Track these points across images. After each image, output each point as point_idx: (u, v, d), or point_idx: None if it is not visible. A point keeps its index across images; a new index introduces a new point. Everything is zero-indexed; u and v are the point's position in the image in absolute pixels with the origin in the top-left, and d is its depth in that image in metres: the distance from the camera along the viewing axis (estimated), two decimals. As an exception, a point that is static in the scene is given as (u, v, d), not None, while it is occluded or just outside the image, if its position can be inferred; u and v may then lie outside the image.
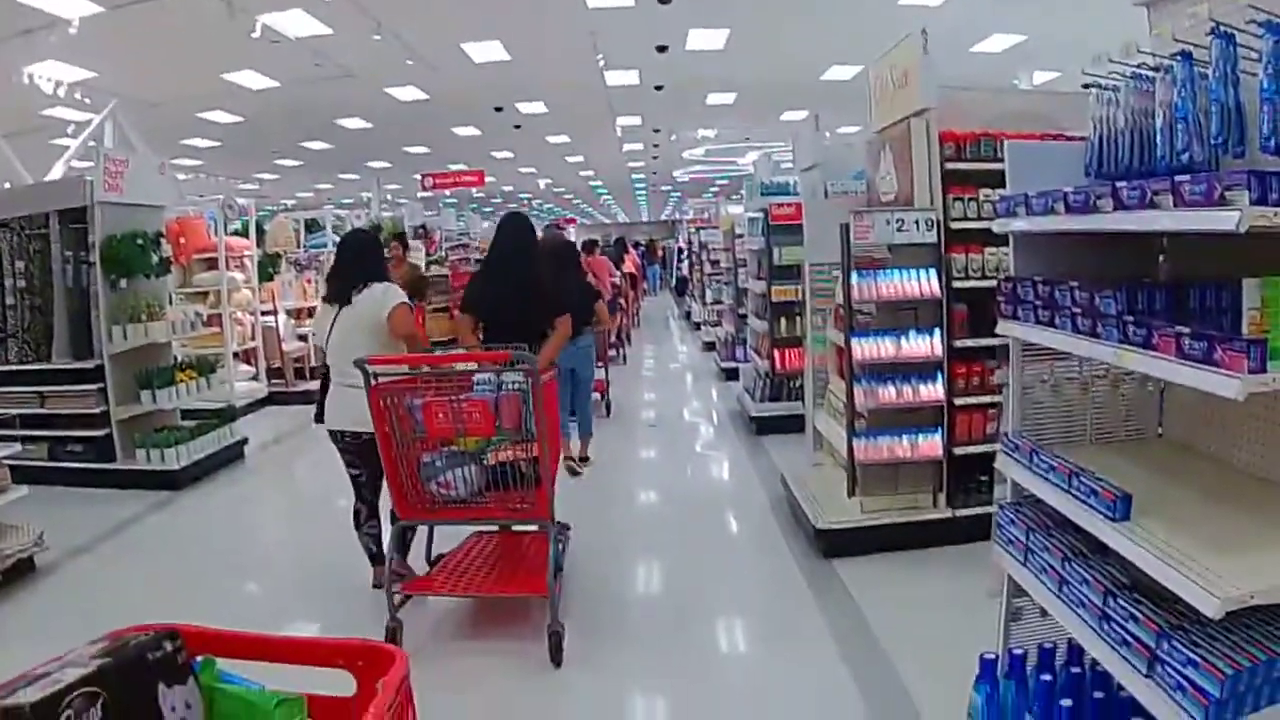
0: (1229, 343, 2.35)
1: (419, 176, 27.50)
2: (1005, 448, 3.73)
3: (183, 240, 13.25)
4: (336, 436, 6.27)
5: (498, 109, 21.23)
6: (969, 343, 6.72)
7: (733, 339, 15.24)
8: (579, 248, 14.00)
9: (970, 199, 6.62)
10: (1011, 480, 3.75)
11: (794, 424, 9.87)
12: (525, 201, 50.50)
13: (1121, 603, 2.83)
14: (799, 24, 14.66)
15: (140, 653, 2.03)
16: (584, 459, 10.10)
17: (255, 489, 10.31)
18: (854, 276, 6.54)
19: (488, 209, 49.15)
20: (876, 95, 7.53)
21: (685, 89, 19.61)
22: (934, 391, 6.64)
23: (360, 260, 6.45)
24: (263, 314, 14.64)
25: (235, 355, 13.83)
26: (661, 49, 16.18)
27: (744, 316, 13.58)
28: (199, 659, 2.23)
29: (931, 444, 6.74)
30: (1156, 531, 2.80)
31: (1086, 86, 3.51)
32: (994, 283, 6.61)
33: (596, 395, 12.45)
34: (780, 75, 18.15)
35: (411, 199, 25.91)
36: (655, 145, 29.38)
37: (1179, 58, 2.95)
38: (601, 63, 16.68)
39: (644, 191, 48.87)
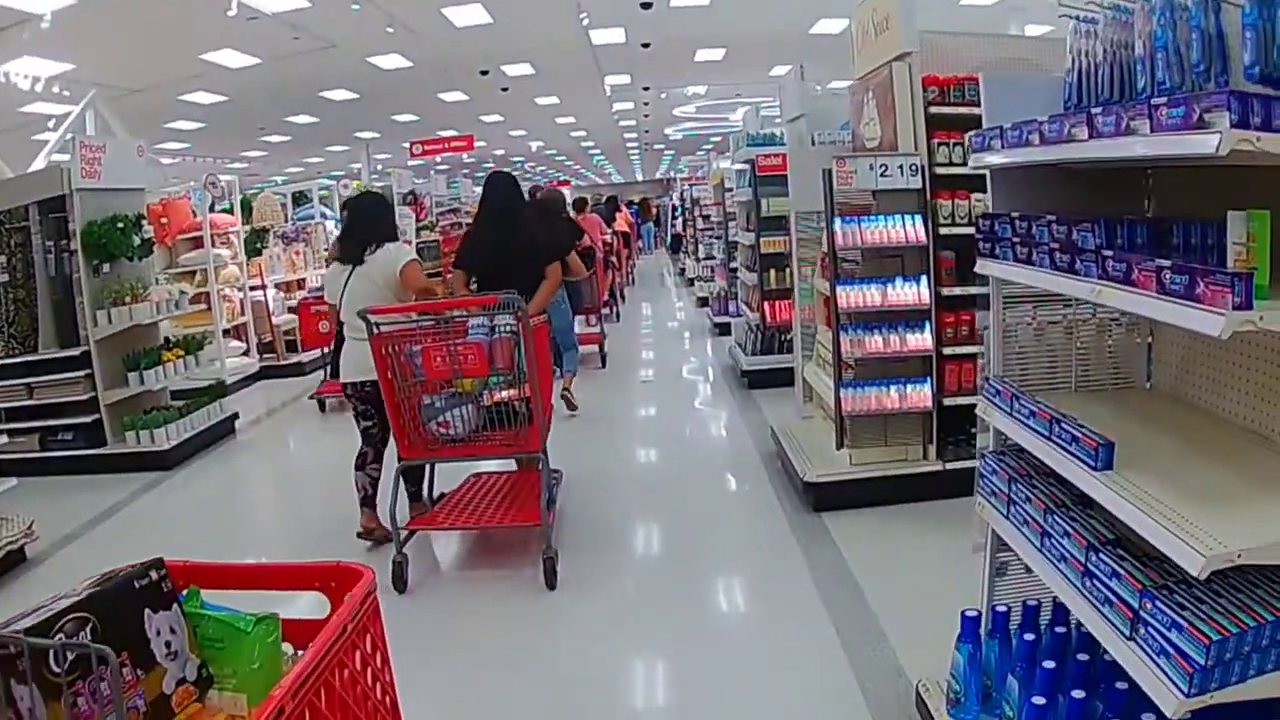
0: (1211, 276, 2.19)
1: (408, 144, 27.22)
2: (986, 393, 3.59)
3: (165, 221, 13.20)
4: (352, 388, 6.61)
5: (483, 73, 20.88)
6: (957, 291, 6.56)
7: (725, 294, 15.06)
8: (570, 205, 14.12)
9: (955, 144, 6.41)
10: (994, 428, 3.61)
11: (785, 377, 9.76)
12: (518, 165, 50.35)
13: (1104, 558, 2.69)
14: None
15: (128, 580, 2.17)
16: (566, 392, 10.48)
17: (247, 464, 10.24)
18: (838, 223, 6.39)
19: (480, 174, 48.88)
20: (859, 43, 7.36)
21: (673, 46, 19.33)
22: (922, 341, 6.48)
23: (374, 221, 6.79)
24: (251, 289, 14.52)
25: (225, 332, 13.75)
26: (646, 5, 15.86)
27: (735, 270, 13.51)
28: (185, 591, 2.36)
29: (920, 394, 6.58)
30: (1141, 483, 2.66)
31: (1065, 19, 3.35)
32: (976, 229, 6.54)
33: (594, 348, 13.15)
34: (768, 29, 17.82)
35: (402, 167, 25.86)
36: (645, 104, 29.04)
37: (1158, -16, 2.80)
38: (585, 21, 16.46)
39: (637, 151, 48.57)
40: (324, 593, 2.52)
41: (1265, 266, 2.27)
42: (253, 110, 22.22)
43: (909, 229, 6.35)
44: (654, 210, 42.50)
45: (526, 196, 9.53)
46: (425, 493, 6.95)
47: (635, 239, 30.65)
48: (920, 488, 6.80)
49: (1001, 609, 3.44)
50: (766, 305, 10.99)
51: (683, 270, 25.95)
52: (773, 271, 10.91)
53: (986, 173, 3.71)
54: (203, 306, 13.10)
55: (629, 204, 33.04)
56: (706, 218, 18.59)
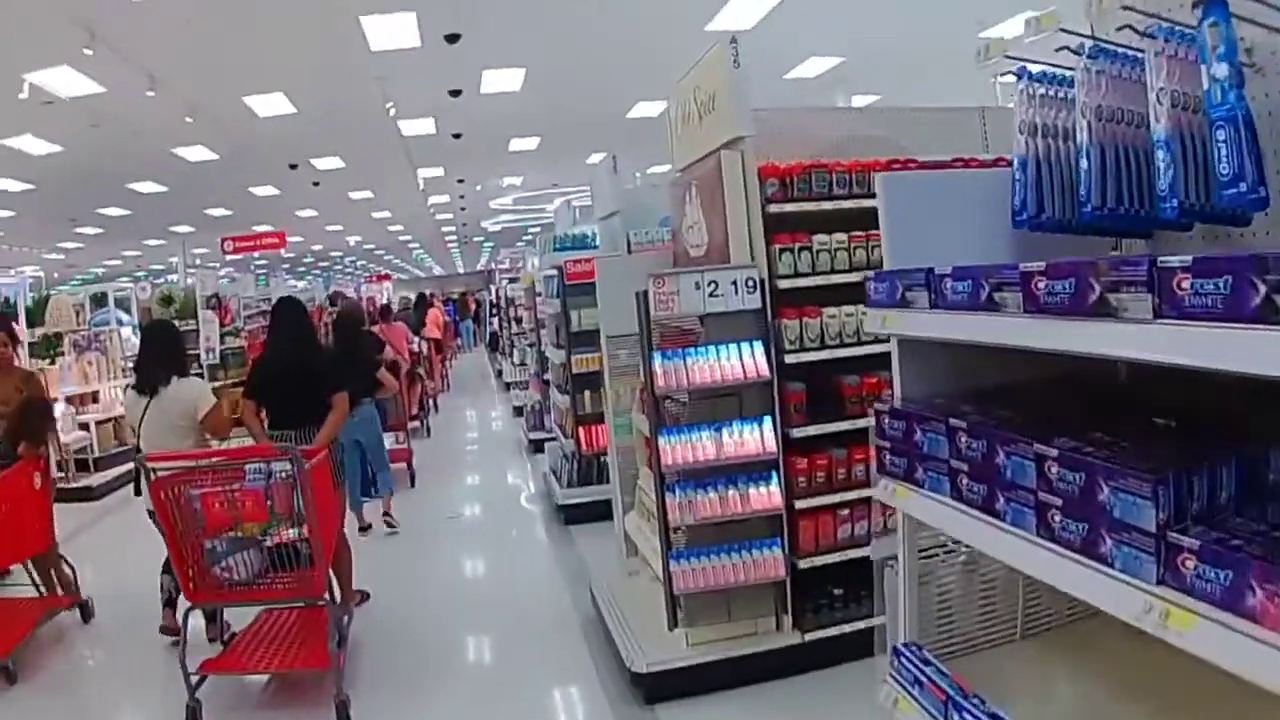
0: None
1: (221, 240, 26.09)
2: (899, 675, 2.28)
3: None
4: (150, 513, 6.15)
5: (293, 166, 20.50)
6: (810, 430, 5.36)
7: (540, 406, 13.94)
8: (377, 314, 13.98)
9: (802, 248, 5.31)
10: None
11: (606, 509, 8.34)
12: (337, 260, 51.09)
13: None
14: (597, 59, 14.11)
15: None
16: (386, 514, 10.09)
17: None
18: (657, 359, 5.12)
19: (300, 269, 49.36)
20: (677, 128, 6.17)
21: (485, 135, 19.12)
22: (768, 495, 5.22)
23: (161, 352, 6.89)
24: None
25: None
26: (455, 93, 15.46)
27: (549, 383, 12.27)
28: None
29: (770, 560, 5.29)
30: None
31: (1011, 73, 2.09)
32: (838, 353, 5.27)
33: (402, 465, 12.16)
34: (583, 115, 17.67)
35: (217, 264, 25.16)
36: (461, 196, 28.88)
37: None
38: (393, 111, 15.84)
39: (456, 243, 48.25)
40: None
41: None
42: (62, 200, 21.50)
43: (748, 360, 5.11)
44: (473, 306, 41.44)
45: (327, 302, 9.92)
46: (219, 628, 6.68)
47: (452, 339, 29.56)
48: (777, 664, 5.55)
49: None
50: (582, 431, 9.72)
51: (500, 372, 24.64)
52: (587, 394, 9.63)
53: (885, 332, 2.38)
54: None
55: (446, 300, 31.92)
56: (519, 320, 17.50)
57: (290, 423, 6.83)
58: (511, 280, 22.10)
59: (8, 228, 24.48)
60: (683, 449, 5.14)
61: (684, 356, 5.13)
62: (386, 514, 10.05)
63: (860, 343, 5.41)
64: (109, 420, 14.59)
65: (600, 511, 8.96)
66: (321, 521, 5.81)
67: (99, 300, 16.48)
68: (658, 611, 5.70)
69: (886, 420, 2.27)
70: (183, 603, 5.98)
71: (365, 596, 7.55)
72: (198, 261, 30.58)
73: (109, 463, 13.84)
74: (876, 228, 5.39)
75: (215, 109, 14.81)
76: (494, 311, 29.19)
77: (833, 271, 5.38)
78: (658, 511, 5.31)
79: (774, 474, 5.25)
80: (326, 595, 5.96)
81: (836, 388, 5.48)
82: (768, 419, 5.21)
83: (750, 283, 5.08)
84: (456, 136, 18.70)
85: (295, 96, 14.91)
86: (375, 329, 12.84)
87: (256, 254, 29.59)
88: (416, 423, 15.93)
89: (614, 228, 8.13)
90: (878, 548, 2.62)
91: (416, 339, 17.89)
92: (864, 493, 5.44)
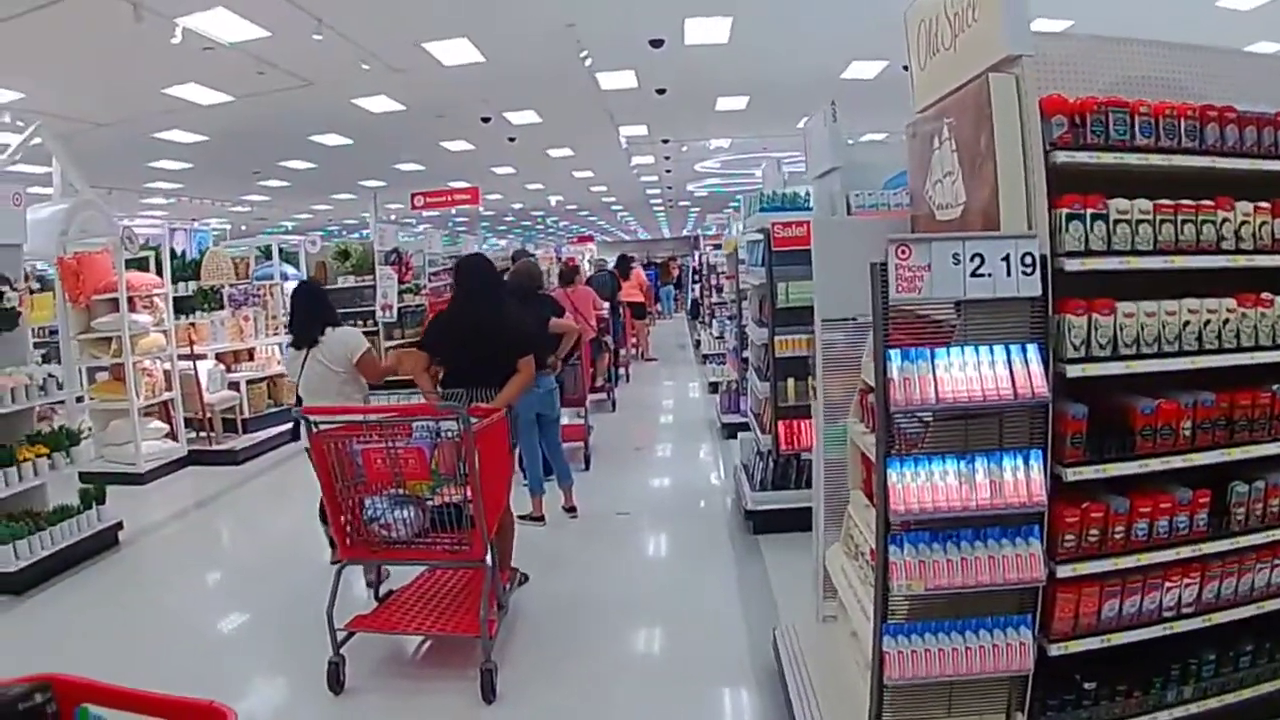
0: None
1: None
2: None
3: (81, 278, 11.35)
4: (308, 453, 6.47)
5: (485, 119, 19.71)
6: (1086, 473, 3.78)
7: (736, 386, 12.64)
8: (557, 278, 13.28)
9: (1096, 216, 3.71)
10: None
11: (804, 520, 6.63)
12: (539, 219, 51.33)
13: None
14: (812, 9, 12.90)
15: (12, 702, 2.35)
16: (570, 509, 9.48)
17: (119, 586, 8.08)
18: (895, 361, 3.60)
19: (501, 227, 49.96)
20: (920, 54, 4.73)
21: (691, 92, 18.06)
22: (1028, 559, 3.68)
23: (311, 308, 7.54)
24: (181, 359, 12.39)
25: (150, 410, 12.03)
26: (656, 43, 14.32)
27: (748, 363, 10.89)
28: (79, 706, 2.45)
29: (1015, 645, 3.78)
30: None
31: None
32: (1134, 366, 3.93)
33: (578, 444, 11.63)
34: (795, 73, 16.43)
35: (418, 219, 24.96)
36: (666, 157, 27.88)
37: None
38: (589, 62, 14.93)
39: (661, 207, 47.17)
40: (201, 727, 2.55)
41: None
42: (239, 152, 21.21)
43: (1018, 369, 3.56)
44: (675, 271, 40.61)
45: (510, 261, 9.47)
46: (375, 586, 6.97)
47: (653, 304, 28.83)
48: (1001, 773, 4.05)
49: None
50: (782, 426, 8.27)
51: (698, 342, 23.58)
52: (792, 382, 8.22)
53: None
54: (120, 379, 11.51)
55: (647, 265, 31.02)
56: (719, 289, 16.41)
57: (467, 382, 6.76)
58: (715, 246, 20.96)
59: (184, 180, 24.54)
60: (918, 487, 3.63)
61: (931, 358, 3.61)
62: (570, 507, 9.43)
63: (1161, 354, 3.85)
64: (264, 380, 14.03)
65: (796, 522, 7.53)
66: (487, 484, 5.76)
67: (267, 253, 16.22)
68: (854, 678, 4.38)
69: None
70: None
71: (524, 579, 7.26)
72: (392, 217, 30.60)
73: (259, 424, 13.29)
74: (1186, 196, 3.88)
75: (392, 56, 14.18)
76: (696, 278, 28.27)
77: (1132, 252, 3.79)
78: (877, 568, 3.83)
79: (1037, 529, 3.73)
80: (487, 559, 5.91)
81: (1124, 414, 3.88)
82: (1037, 454, 3.65)
83: (1028, 260, 3.55)
84: (660, 92, 17.71)
85: (482, 43, 14.04)
86: (555, 293, 11.66)
87: (453, 211, 29.39)
88: (601, 394, 15.14)
89: (831, 187, 6.78)
90: None
91: (606, 305, 16.65)
92: (1143, 559, 3.92)
